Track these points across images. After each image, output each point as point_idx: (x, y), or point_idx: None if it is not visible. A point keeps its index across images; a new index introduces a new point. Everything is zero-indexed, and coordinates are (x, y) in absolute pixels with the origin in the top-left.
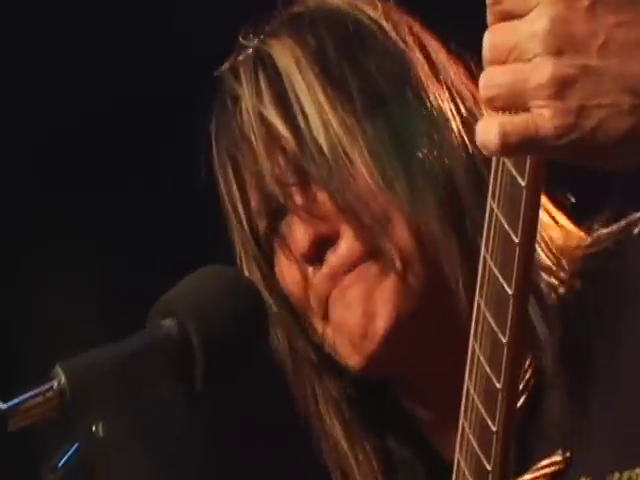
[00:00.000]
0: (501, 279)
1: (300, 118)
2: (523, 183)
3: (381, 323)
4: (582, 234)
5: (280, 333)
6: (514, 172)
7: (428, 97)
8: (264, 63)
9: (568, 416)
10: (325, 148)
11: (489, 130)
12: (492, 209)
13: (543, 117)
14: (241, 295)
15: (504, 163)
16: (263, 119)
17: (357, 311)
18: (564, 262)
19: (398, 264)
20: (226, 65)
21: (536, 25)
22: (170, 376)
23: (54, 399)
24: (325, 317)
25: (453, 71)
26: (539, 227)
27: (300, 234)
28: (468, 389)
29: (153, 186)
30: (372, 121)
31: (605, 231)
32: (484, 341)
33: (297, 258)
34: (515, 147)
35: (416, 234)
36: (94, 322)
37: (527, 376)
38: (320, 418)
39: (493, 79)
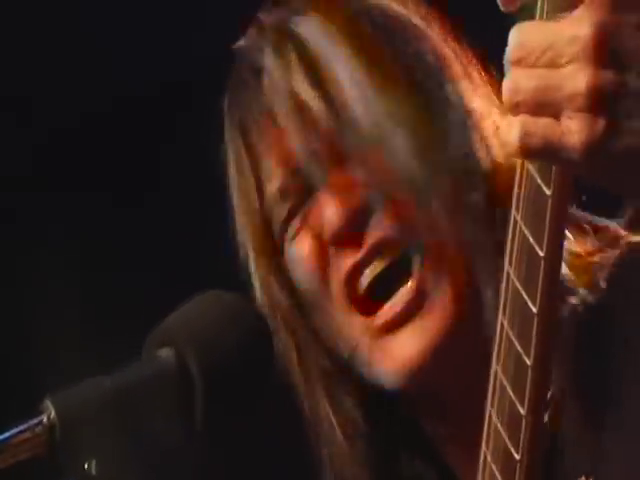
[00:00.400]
0: (525, 296)
1: (336, 92)
2: (548, 192)
3: (435, 347)
4: (599, 242)
5: (287, 338)
6: (539, 180)
7: (465, 95)
8: (292, 37)
9: (588, 436)
10: (364, 124)
11: (510, 130)
12: (515, 221)
13: (570, 128)
14: (243, 321)
15: (528, 170)
16: (294, 94)
17: (420, 340)
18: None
19: (437, 262)
20: (246, 40)
21: (580, 29)
22: (168, 410)
23: (43, 435)
24: (351, 302)
25: (481, 78)
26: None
27: (332, 212)
28: (490, 415)
29: (153, 188)
30: (413, 103)
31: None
32: (507, 363)
33: (327, 236)
34: (535, 151)
35: (456, 227)
36: (86, 350)
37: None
38: (328, 432)
39: (519, 83)
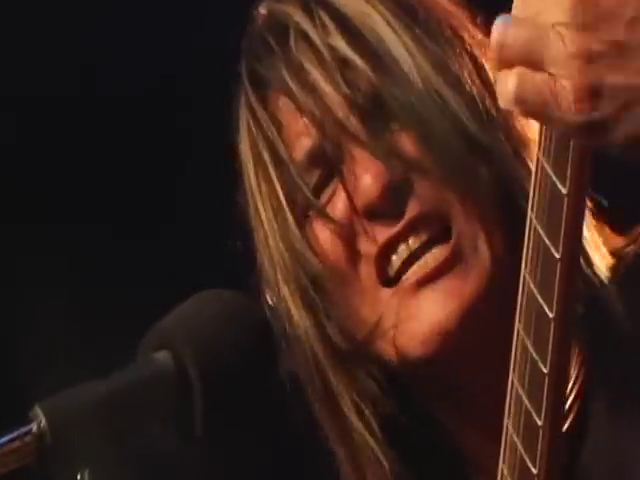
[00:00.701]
0: (541, 300)
1: (379, 47)
2: (564, 190)
3: (467, 313)
4: (621, 239)
5: (308, 318)
6: (554, 177)
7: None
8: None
9: (612, 439)
10: (415, 79)
11: (507, 80)
12: (531, 220)
13: (564, 87)
14: (243, 320)
15: (543, 168)
16: (332, 49)
17: (451, 302)
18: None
19: (485, 233)
20: (265, 5)
21: None
22: (165, 415)
23: (33, 444)
24: (383, 278)
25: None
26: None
27: (370, 181)
28: (507, 427)
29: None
30: (459, 62)
31: None
32: (523, 371)
33: (361, 207)
34: (530, 104)
35: (504, 197)
36: (79, 354)
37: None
38: (340, 422)
39: (507, 35)
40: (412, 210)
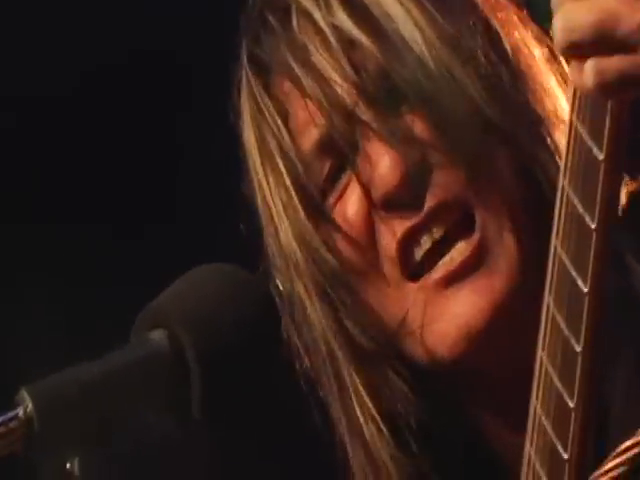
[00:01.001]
0: (574, 273)
1: (388, 27)
2: (601, 156)
3: (496, 310)
4: None
5: (322, 310)
6: (590, 142)
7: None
8: None
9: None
10: (427, 61)
11: (583, 69)
12: (563, 188)
13: None
14: (244, 296)
15: (578, 133)
16: (337, 29)
17: (480, 298)
18: None
19: (510, 221)
20: None
21: None
22: (161, 398)
23: (19, 430)
24: (406, 272)
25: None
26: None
27: (388, 165)
28: (535, 409)
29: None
30: (476, 42)
31: None
32: (554, 350)
33: (379, 197)
34: (615, 88)
35: (526, 183)
36: (69, 335)
37: None
38: (358, 419)
39: (574, 19)
40: (432, 199)
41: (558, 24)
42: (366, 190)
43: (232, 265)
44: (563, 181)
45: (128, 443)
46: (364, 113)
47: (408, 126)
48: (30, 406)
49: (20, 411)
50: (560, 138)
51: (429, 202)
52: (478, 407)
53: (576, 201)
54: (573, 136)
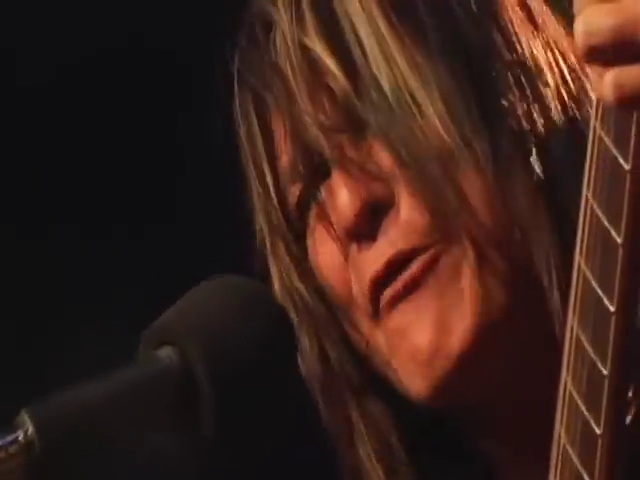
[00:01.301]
0: (600, 292)
1: (355, 51)
2: (627, 166)
3: (458, 338)
4: None
5: (309, 340)
6: (615, 151)
7: (520, 43)
8: None
9: None
10: (387, 88)
11: (602, 78)
12: (587, 200)
13: None
14: (257, 310)
15: (601, 139)
16: (306, 51)
17: (426, 320)
18: None
19: (473, 251)
20: None
21: None
22: (171, 420)
23: (19, 455)
24: (375, 315)
25: (548, 18)
26: None
27: (347, 197)
28: (559, 437)
29: None
30: (448, 63)
31: None
32: (579, 373)
33: (341, 230)
34: (636, 100)
35: (497, 209)
36: (73, 351)
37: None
38: (356, 456)
39: (594, 23)
40: (397, 238)
41: (578, 28)
42: (328, 224)
43: (243, 277)
44: (587, 193)
45: (136, 466)
46: (322, 142)
47: (369, 157)
48: (31, 429)
49: (20, 435)
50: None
51: (394, 240)
52: (484, 441)
53: (601, 214)
54: (597, 145)
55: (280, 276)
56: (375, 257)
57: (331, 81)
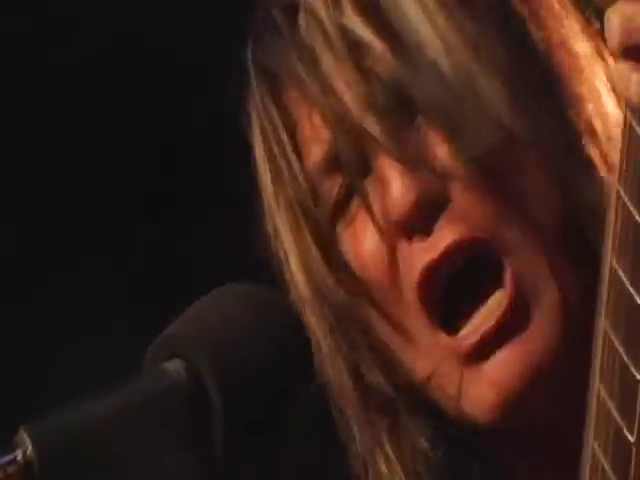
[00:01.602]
0: (632, 291)
1: (402, 28)
2: None
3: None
4: None
5: (331, 343)
6: None
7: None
8: None
9: None
10: (445, 68)
11: (627, 76)
12: (618, 196)
13: None
14: (272, 321)
15: (633, 130)
16: (346, 33)
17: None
18: None
19: (543, 254)
20: None
21: None
22: (179, 438)
23: (17, 476)
24: (440, 325)
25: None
26: None
27: (398, 193)
28: (593, 448)
29: None
30: (507, 47)
31: None
32: (611, 378)
33: (392, 223)
34: None
35: (561, 205)
36: (74, 365)
37: None
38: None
39: (633, 18)
40: (452, 228)
41: (614, 22)
42: (376, 217)
43: (257, 286)
44: (618, 187)
45: None
46: (373, 127)
47: (422, 143)
48: (30, 448)
49: (19, 454)
50: (595, 151)
51: (449, 232)
52: (519, 463)
53: (633, 209)
54: (629, 137)
55: (305, 270)
56: (430, 246)
57: (377, 63)
